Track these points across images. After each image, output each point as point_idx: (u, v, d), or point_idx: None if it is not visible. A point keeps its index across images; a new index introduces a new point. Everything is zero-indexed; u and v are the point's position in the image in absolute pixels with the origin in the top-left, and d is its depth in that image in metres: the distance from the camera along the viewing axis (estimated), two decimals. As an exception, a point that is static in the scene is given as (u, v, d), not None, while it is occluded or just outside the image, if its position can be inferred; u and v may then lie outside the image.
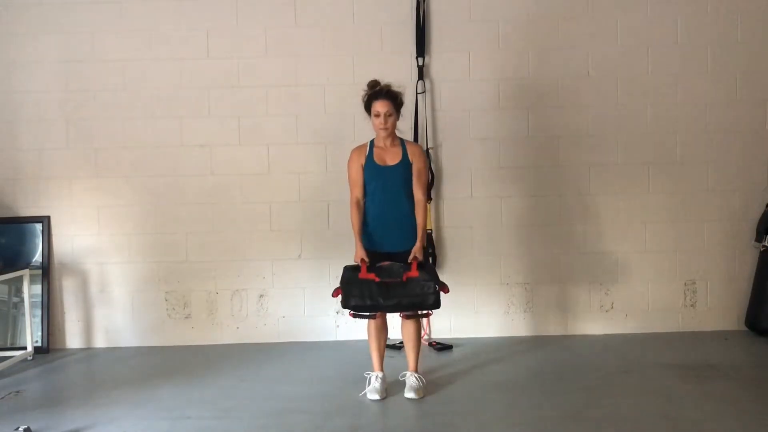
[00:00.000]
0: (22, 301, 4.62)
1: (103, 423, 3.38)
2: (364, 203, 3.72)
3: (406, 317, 3.69)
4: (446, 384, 3.85)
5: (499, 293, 4.84)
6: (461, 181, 4.80)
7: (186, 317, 4.85)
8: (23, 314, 4.63)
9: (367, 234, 3.69)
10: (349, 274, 3.59)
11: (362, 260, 3.60)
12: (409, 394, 3.64)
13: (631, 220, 4.83)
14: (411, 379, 3.69)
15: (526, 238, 4.83)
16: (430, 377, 3.90)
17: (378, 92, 3.65)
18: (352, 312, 3.63)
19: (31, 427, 3.19)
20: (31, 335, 4.57)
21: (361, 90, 3.72)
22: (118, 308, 4.85)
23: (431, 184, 4.70)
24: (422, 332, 4.15)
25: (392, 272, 3.54)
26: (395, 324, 3.94)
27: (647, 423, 3.23)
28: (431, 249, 4.69)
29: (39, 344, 4.72)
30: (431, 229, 4.71)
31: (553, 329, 4.84)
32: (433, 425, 3.29)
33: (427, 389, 3.71)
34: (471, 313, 4.83)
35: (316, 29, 4.77)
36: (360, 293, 3.52)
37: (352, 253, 3.71)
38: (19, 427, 3.15)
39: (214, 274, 4.83)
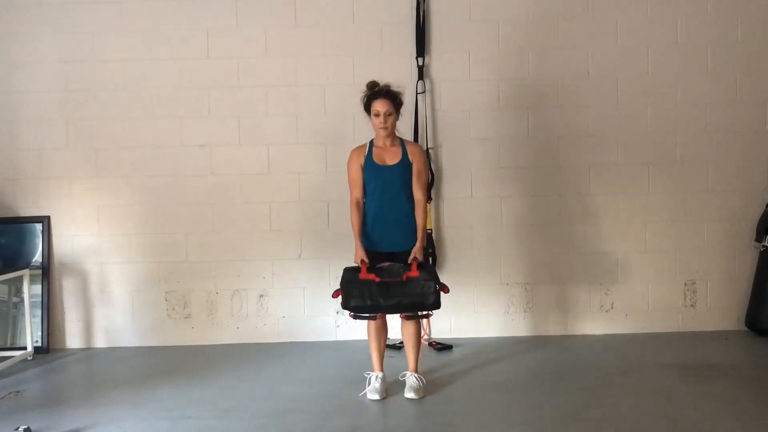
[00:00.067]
0: (22, 301, 4.62)
1: (103, 423, 3.38)
2: (364, 203, 3.72)
3: (406, 318, 3.69)
4: (446, 384, 3.85)
5: (499, 293, 4.84)
6: (461, 181, 4.80)
7: (186, 317, 4.85)
8: (23, 314, 4.63)
9: (366, 234, 3.69)
10: (349, 274, 3.59)
11: (362, 261, 3.60)
12: (409, 394, 3.64)
13: (631, 220, 4.83)
14: (411, 379, 3.69)
15: (526, 238, 4.83)
16: (430, 377, 3.90)
17: (378, 92, 3.65)
18: (352, 313, 3.62)
19: (31, 427, 3.20)
20: (31, 335, 4.57)
21: (361, 90, 3.72)
22: (118, 308, 4.85)
23: (431, 184, 4.70)
24: (422, 332, 4.15)
25: (392, 272, 3.54)
26: (395, 324, 3.94)
27: (647, 423, 3.23)
28: (431, 249, 4.69)
29: (39, 344, 4.72)
30: (431, 229, 4.71)
31: (553, 329, 4.84)
32: (433, 425, 3.29)
33: (427, 389, 3.71)
34: (471, 313, 4.83)
35: (316, 29, 4.77)
36: (360, 294, 3.52)
37: (352, 253, 3.71)
38: (19, 427, 3.15)
39: (214, 274, 4.83)
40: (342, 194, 4.05)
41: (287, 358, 4.47)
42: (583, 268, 4.83)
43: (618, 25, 4.78)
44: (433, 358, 4.39)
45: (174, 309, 4.85)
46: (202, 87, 4.79)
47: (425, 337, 4.61)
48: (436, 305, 3.57)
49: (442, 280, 3.63)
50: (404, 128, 4.37)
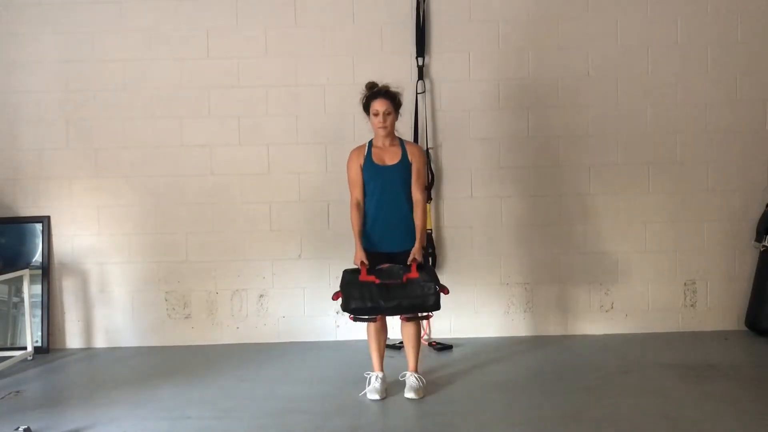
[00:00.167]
0: (22, 301, 4.62)
1: (103, 423, 3.38)
2: (364, 204, 3.72)
3: (406, 319, 3.69)
4: (446, 384, 3.85)
5: (499, 293, 4.84)
6: (461, 181, 4.80)
7: (186, 317, 4.85)
8: (23, 314, 4.63)
9: (366, 234, 3.69)
10: (349, 276, 3.58)
11: (362, 263, 3.59)
12: (409, 394, 3.64)
13: (631, 220, 4.83)
14: (411, 379, 3.69)
15: (526, 238, 4.83)
16: (430, 377, 3.90)
17: (377, 92, 3.65)
18: (352, 315, 3.62)
19: (31, 427, 3.20)
20: (31, 335, 4.57)
21: (361, 90, 3.72)
22: (118, 308, 4.85)
23: (431, 184, 4.70)
24: (422, 332, 4.15)
25: (392, 274, 3.54)
26: (395, 324, 3.94)
27: (647, 423, 3.23)
28: (431, 249, 4.69)
29: (39, 344, 4.72)
30: (431, 229, 4.71)
31: (553, 329, 4.84)
32: (433, 425, 3.29)
33: (427, 389, 3.71)
34: (471, 313, 4.83)
35: (316, 29, 4.77)
36: (360, 295, 3.52)
37: (352, 253, 3.71)
38: (19, 427, 3.15)
39: (214, 274, 4.83)
40: (342, 194, 4.05)
41: (287, 358, 4.47)
42: (583, 268, 4.83)
43: (618, 25, 4.79)
44: (433, 358, 4.39)
45: (174, 309, 4.85)
46: (202, 87, 4.79)
47: (425, 337, 4.61)
48: (436, 306, 3.57)
49: (442, 281, 3.63)
50: (404, 128, 4.38)
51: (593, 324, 4.84)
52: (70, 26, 4.78)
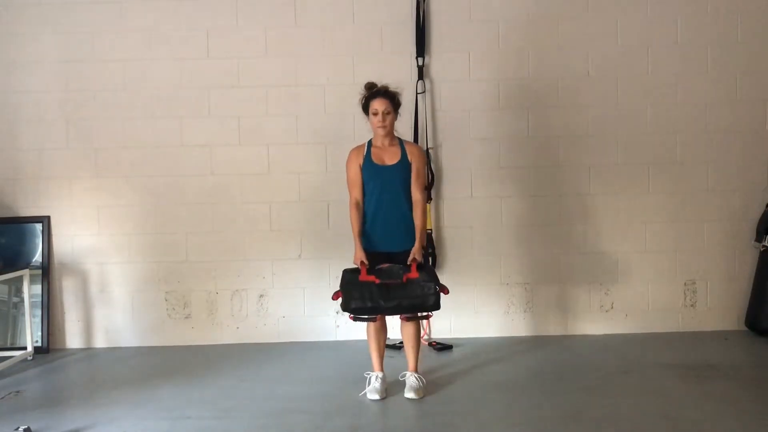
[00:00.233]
0: (22, 301, 4.62)
1: (103, 423, 3.38)
2: (363, 204, 3.71)
3: (406, 319, 3.69)
4: (446, 384, 3.85)
5: (499, 293, 4.84)
6: (461, 181, 4.80)
7: (186, 317, 4.85)
8: (23, 314, 4.63)
9: (365, 234, 3.69)
10: (349, 276, 3.58)
11: (362, 263, 3.59)
12: (409, 394, 3.64)
13: (631, 220, 4.83)
14: (411, 379, 3.69)
15: (526, 238, 4.83)
16: (430, 377, 3.90)
17: (376, 92, 3.65)
18: (352, 315, 3.62)
19: (31, 427, 3.20)
20: (31, 335, 4.57)
21: (361, 90, 3.72)
22: (118, 308, 4.85)
23: (431, 184, 4.70)
24: (422, 332, 4.15)
25: (392, 274, 3.53)
26: (395, 324, 3.94)
27: (647, 423, 3.23)
28: (431, 249, 4.69)
29: (39, 344, 4.72)
30: (431, 229, 4.71)
31: (553, 329, 4.84)
32: (433, 425, 3.29)
33: (427, 389, 3.71)
34: (471, 313, 4.83)
35: (316, 29, 4.77)
36: (360, 295, 3.51)
37: (352, 253, 3.70)
38: (19, 427, 3.16)
39: (214, 274, 4.83)
40: (342, 194, 4.04)
41: (287, 358, 4.47)
42: (583, 268, 4.83)
43: (618, 25, 4.79)
44: (433, 358, 4.39)
45: (174, 309, 4.85)
46: (202, 87, 4.79)
47: (425, 337, 4.61)
48: (436, 306, 3.56)
49: (442, 281, 3.63)
50: (404, 128, 4.38)
51: (593, 324, 4.84)
52: (70, 26, 4.78)
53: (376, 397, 3.62)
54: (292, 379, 4.03)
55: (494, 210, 4.82)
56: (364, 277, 3.53)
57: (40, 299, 4.76)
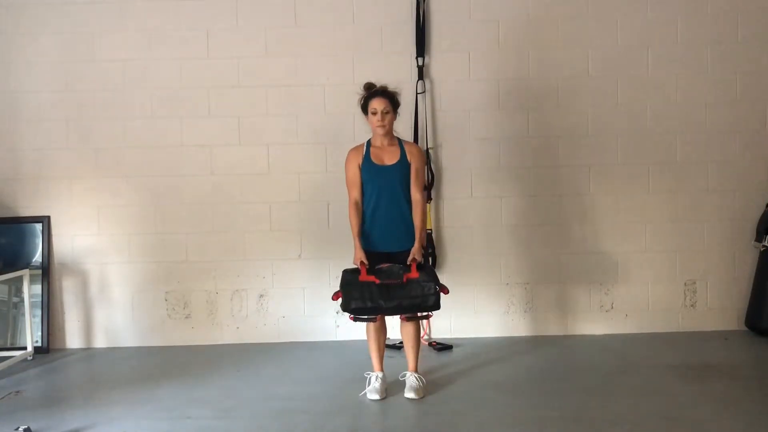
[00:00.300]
0: (22, 301, 4.63)
1: (103, 423, 3.38)
2: (363, 204, 3.71)
3: (406, 319, 3.69)
4: (446, 384, 3.85)
5: (499, 293, 4.84)
6: (461, 181, 4.80)
7: (186, 317, 4.85)
8: (23, 314, 4.63)
9: (365, 234, 3.69)
10: (349, 276, 3.58)
11: (361, 263, 3.59)
12: (409, 394, 3.64)
13: (631, 220, 4.83)
14: (411, 379, 3.69)
15: (526, 238, 4.83)
16: (430, 377, 3.90)
17: (375, 92, 3.65)
18: (352, 316, 3.62)
19: (31, 427, 3.20)
20: (31, 335, 4.57)
21: (360, 90, 3.72)
22: (118, 308, 4.85)
23: (431, 184, 4.70)
24: (422, 332, 4.15)
25: (392, 274, 3.53)
26: (395, 324, 3.94)
27: (647, 423, 3.23)
28: (431, 249, 4.69)
29: (39, 344, 4.72)
30: (431, 229, 4.71)
31: (553, 329, 4.84)
32: (433, 425, 3.29)
33: (427, 389, 3.71)
34: (471, 313, 4.83)
35: (316, 29, 4.77)
36: (360, 296, 3.51)
37: (352, 253, 3.70)
38: (19, 427, 3.16)
39: (214, 274, 4.83)
40: (342, 194, 4.03)
41: (287, 358, 4.47)
42: (583, 268, 4.83)
43: (618, 25, 4.79)
44: (433, 358, 4.39)
45: (174, 309, 4.85)
46: (202, 87, 4.79)
47: (425, 337, 4.61)
48: (436, 306, 3.56)
49: (442, 281, 3.63)
50: (404, 128, 4.38)
51: (593, 324, 4.84)
52: (70, 26, 4.78)
53: (376, 397, 3.62)
54: (292, 379, 4.03)
55: (494, 210, 4.82)
56: (364, 277, 3.53)
57: (40, 299, 4.76)
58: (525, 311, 4.85)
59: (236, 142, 4.81)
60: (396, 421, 3.37)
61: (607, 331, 4.83)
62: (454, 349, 4.57)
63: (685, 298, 4.87)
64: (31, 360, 4.54)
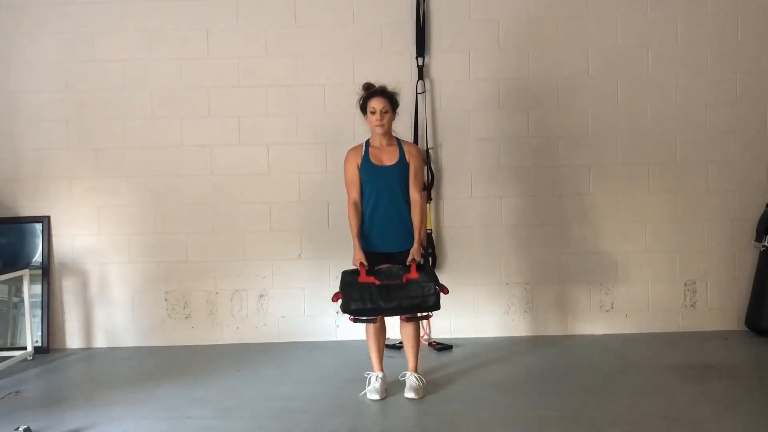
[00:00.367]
0: (22, 301, 4.63)
1: (103, 423, 3.38)
2: (362, 204, 3.71)
3: (405, 319, 3.69)
4: (446, 384, 3.85)
5: (499, 293, 4.84)
6: (461, 181, 4.80)
7: (186, 317, 4.85)
8: (23, 314, 4.63)
9: (364, 234, 3.68)
10: (349, 278, 3.58)
11: (361, 264, 3.59)
12: (409, 394, 3.64)
13: (631, 220, 4.83)
14: (411, 379, 3.70)
15: (526, 238, 4.83)
16: (430, 377, 3.90)
17: (374, 92, 3.65)
18: (352, 317, 3.62)
19: (31, 427, 3.20)
20: (31, 335, 4.57)
21: (360, 90, 3.72)
22: (118, 308, 4.85)
23: (431, 184, 4.70)
24: (422, 332, 4.15)
25: (392, 275, 3.53)
26: (394, 324, 3.94)
27: (647, 423, 3.23)
28: (431, 249, 4.69)
29: (39, 344, 4.72)
30: (431, 230, 4.71)
31: (553, 329, 4.84)
32: (433, 425, 3.29)
33: (427, 389, 3.71)
34: (471, 313, 4.83)
35: (316, 29, 4.77)
36: (360, 297, 3.51)
37: (351, 253, 3.70)
38: (19, 427, 3.16)
39: (214, 274, 4.83)
40: (342, 194, 4.03)
41: (287, 358, 4.47)
42: (583, 268, 4.83)
43: (618, 25, 4.78)
44: (433, 358, 4.39)
45: (174, 309, 4.85)
46: (202, 87, 4.79)
47: (425, 337, 4.61)
48: (436, 306, 3.56)
49: (442, 281, 3.63)
50: (404, 128, 4.38)
51: (593, 324, 4.84)
52: (70, 26, 4.78)
53: (376, 397, 3.62)
54: (292, 379, 4.03)
55: (494, 210, 4.82)
56: (363, 278, 3.53)
57: (40, 299, 4.76)
58: (525, 311, 4.85)
59: (236, 142, 4.81)
60: (396, 421, 3.37)
61: (607, 331, 4.83)
62: (454, 349, 4.57)
63: (685, 298, 4.87)
64: (31, 360, 4.54)
